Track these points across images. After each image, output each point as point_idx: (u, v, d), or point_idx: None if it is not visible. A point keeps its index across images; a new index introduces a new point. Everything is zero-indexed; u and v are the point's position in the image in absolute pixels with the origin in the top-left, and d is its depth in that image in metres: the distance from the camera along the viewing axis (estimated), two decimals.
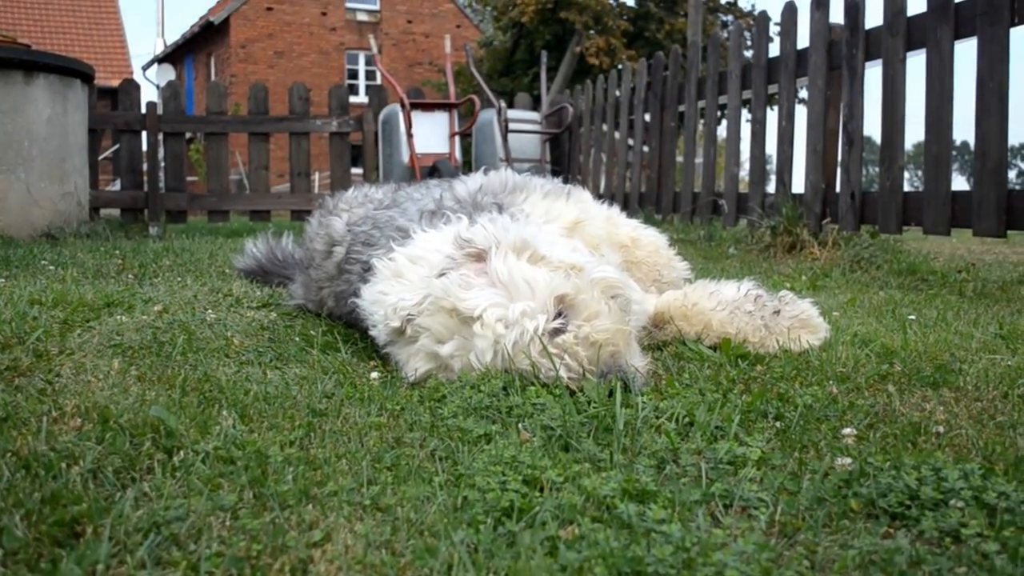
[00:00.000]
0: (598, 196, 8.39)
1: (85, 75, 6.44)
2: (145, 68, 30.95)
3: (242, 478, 1.34)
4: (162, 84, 21.66)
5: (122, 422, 1.55)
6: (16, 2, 28.11)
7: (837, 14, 5.16)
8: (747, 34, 6.37)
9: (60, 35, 27.53)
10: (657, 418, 1.66)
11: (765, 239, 5.20)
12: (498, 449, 1.46)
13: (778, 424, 1.67)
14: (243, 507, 1.26)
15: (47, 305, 2.72)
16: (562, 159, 9.49)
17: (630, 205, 7.86)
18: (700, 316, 2.43)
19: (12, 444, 1.43)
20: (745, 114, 6.72)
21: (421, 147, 8.47)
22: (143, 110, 8.31)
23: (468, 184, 2.51)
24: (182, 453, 1.45)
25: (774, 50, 5.92)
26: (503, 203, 2.38)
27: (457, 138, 8.76)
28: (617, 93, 8.37)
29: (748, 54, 6.23)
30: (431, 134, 8.65)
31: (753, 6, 25.76)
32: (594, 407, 1.68)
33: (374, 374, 2.04)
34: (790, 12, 5.63)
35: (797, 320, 2.38)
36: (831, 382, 1.95)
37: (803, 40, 5.49)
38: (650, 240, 2.81)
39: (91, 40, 28.26)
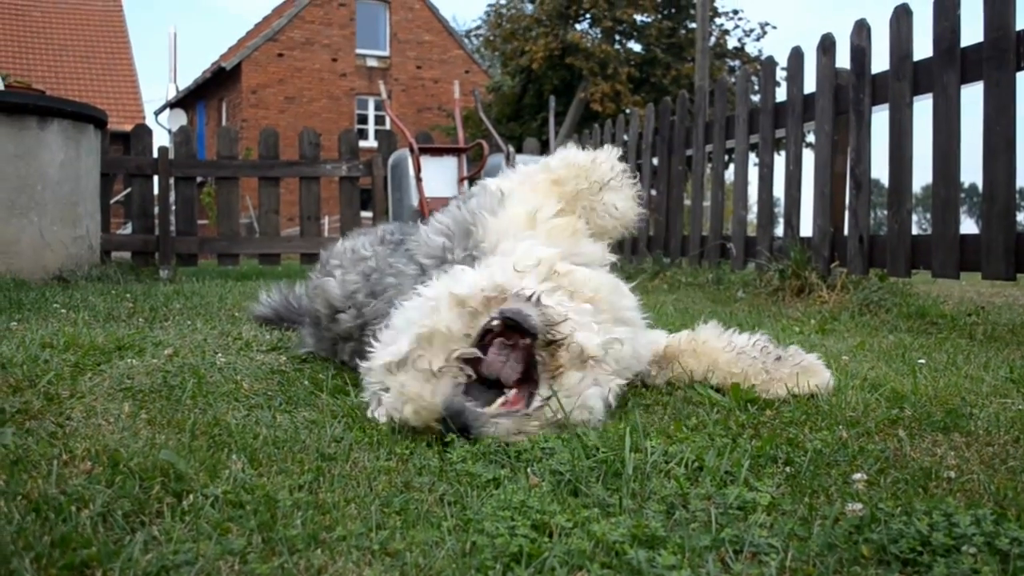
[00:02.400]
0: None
1: (98, 120, 6.52)
2: (157, 113, 31.27)
3: (251, 522, 1.34)
4: (174, 129, 21.89)
5: (132, 465, 1.56)
6: (31, 48, 28.50)
7: (843, 59, 5.21)
8: (754, 79, 6.43)
9: (74, 81, 27.86)
10: (666, 463, 1.66)
11: (774, 283, 5.20)
12: (507, 494, 1.46)
13: (788, 469, 1.66)
14: (252, 551, 1.25)
15: (58, 348, 2.74)
16: None
17: (638, 249, 7.88)
18: (709, 354, 2.43)
19: (23, 487, 1.44)
20: (752, 158, 6.75)
21: (430, 191, 8.51)
22: (155, 155, 8.39)
23: (430, 244, 2.39)
24: (191, 497, 1.45)
25: (781, 95, 5.97)
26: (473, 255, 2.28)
27: (466, 182, 8.81)
28: (625, 138, 8.42)
29: (755, 98, 6.28)
30: (440, 178, 8.70)
31: (760, 51, 25.99)
32: (603, 452, 1.68)
33: (383, 419, 2.04)
34: (796, 57, 5.68)
35: (799, 367, 2.37)
36: (841, 427, 1.94)
37: (810, 85, 5.54)
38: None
39: (104, 86, 28.59)
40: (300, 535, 1.30)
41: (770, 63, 6.15)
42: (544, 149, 10.36)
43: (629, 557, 1.23)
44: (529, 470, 1.61)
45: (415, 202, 8.63)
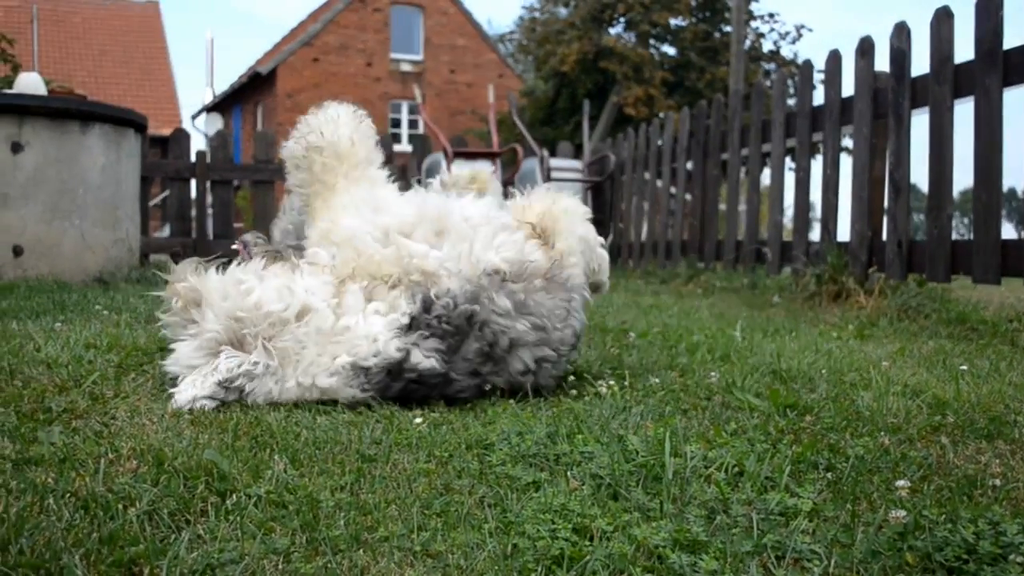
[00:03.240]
0: (640, 244, 8.41)
1: (139, 125, 6.59)
2: (194, 117, 31.60)
3: (294, 522, 1.36)
4: (211, 133, 22.07)
5: (176, 465, 1.58)
6: (71, 54, 28.90)
7: (882, 62, 5.17)
8: (789, 82, 6.39)
9: (113, 85, 28.21)
10: (706, 468, 1.65)
11: (810, 287, 5.17)
12: (547, 497, 1.46)
13: (829, 475, 1.65)
14: (296, 551, 1.27)
15: (102, 349, 2.77)
16: (604, 207, 9.53)
17: (672, 253, 7.85)
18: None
19: (71, 485, 1.46)
20: (788, 162, 6.70)
21: None
22: (193, 159, 8.48)
23: None
24: (235, 496, 1.46)
25: (818, 98, 5.93)
26: None
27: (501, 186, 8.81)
28: (659, 141, 8.40)
29: (791, 102, 6.24)
30: None
31: (795, 54, 25.79)
32: (642, 456, 1.67)
33: (418, 419, 2.05)
34: (834, 60, 5.64)
35: None
36: (882, 433, 1.93)
37: (847, 88, 5.50)
38: None
39: (143, 90, 28.93)
40: (343, 535, 1.31)
41: (807, 66, 6.12)
42: (578, 153, 10.35)
43: (671, 561, 1.23)
44: (569, 474, 1.61)
45: None
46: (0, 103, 5.68)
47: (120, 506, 1.38)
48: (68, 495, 1.42)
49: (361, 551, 1.27)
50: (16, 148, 5.64)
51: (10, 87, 6.24)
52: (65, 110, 5.84)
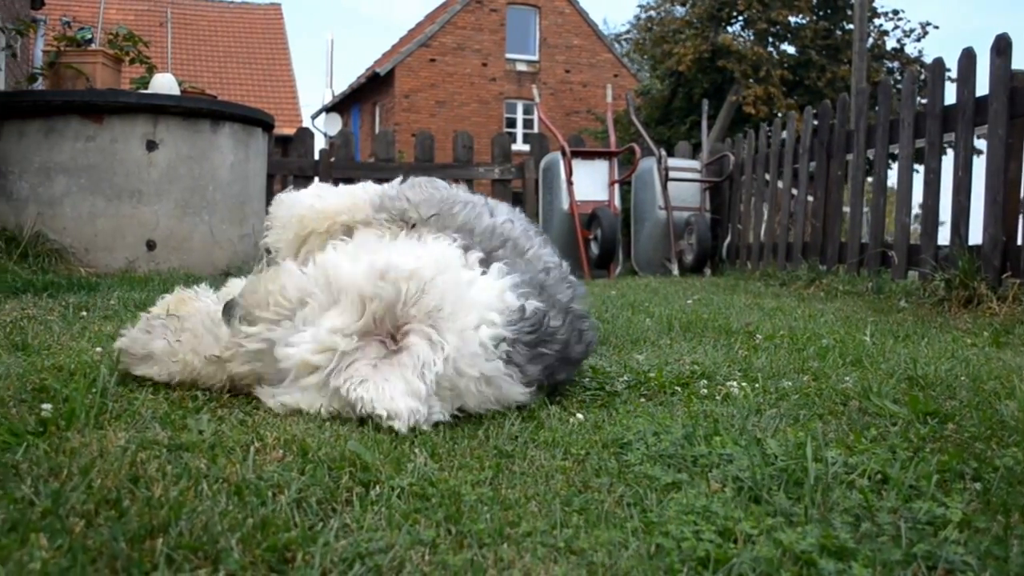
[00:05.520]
0: (759, 246, 8.27)
1: (266, 124, 6.80)
2: (314, 117, 32.38)
3: (438, 514, 1.38)
4: (331, 132, 22.57)
5: (320, 455, 1.62)
6: (198, 56, 29.95)
7: (1020, 60, 4.97)
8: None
9: (237, 86, 29.12)
10: (848, 474, 1.62)
11: (939, 293, 5.00)
12: (688, 498, 1.46)
13: (977, 486, 1.60)
14: (441, 543, 1.29)
15: None
16: (722, 207, 9.40)
17: (792, 256, 7.70)
18: None
19: (223, 471, 1.51)
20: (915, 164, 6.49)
21: (581, 195, 8.55)
22: (316, 157, 8.69)
23: None
24: (378, 488, 1.49)
25: (948, 98, 5.74)
26: None
27: (617, 186, 8.79)
28: (781, 141, 8.24)
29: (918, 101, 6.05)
30: (591, 182, 8.73)
31: (920, 52, 24.99)
32: (782, 460, 1.65)
33: (579, 415, 2.08)
34: (968, 59, 5.44)
35: None
36: None
37: (981, 87, 5.30)
38: None
39: (265, 91, 29.77)
40: (486, 529, 1.33)
41: (939, 65, 5.91)
42: (695, 152, 10.23)
43: (820, 567, 1.21)
44: (709, 475, 1.60)
45: (565, 205, 8.68)
46: (137, 103, 5.93)
47: (270, 493, 1.43)
48: (220, 481, 1.47)
49: (505, 545, 1.29)
50: (151, 146, 5.88)
51: (146, 87, 6.50)
52: (197, 110, 6.07)
